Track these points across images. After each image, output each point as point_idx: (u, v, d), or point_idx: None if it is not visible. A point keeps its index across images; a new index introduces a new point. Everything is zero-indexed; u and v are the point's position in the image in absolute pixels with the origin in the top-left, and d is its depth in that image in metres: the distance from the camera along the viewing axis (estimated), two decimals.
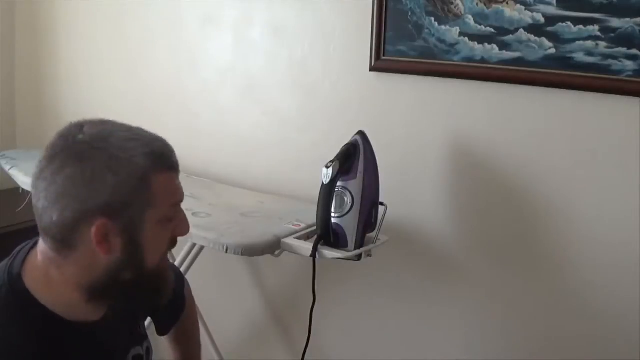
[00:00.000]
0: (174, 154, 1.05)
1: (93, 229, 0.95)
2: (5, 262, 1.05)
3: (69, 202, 0.95)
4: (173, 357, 1.48)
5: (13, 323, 0.97)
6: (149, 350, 1.24)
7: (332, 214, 1.61)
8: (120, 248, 0.98)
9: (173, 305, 1.38)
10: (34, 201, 0.99)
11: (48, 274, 1.01)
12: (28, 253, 1.05)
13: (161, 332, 1.41)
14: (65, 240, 0.98)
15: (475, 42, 1.67)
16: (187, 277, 2.07)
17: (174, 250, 2.16)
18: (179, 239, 1.08)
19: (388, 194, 1.68)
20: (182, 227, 1.06)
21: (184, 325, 1.43)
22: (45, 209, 0.97)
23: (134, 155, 0.98)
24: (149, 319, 1.40)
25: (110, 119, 1.05)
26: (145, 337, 1.24)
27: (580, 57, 1.54)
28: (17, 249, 1.08)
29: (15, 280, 1.00)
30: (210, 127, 2.25)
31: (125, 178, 0.96)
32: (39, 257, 1.03)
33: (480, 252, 1.79)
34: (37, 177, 0.98)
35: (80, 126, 1.00)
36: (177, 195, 1.04)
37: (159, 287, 1.07)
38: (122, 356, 1.16)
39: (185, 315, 1.42)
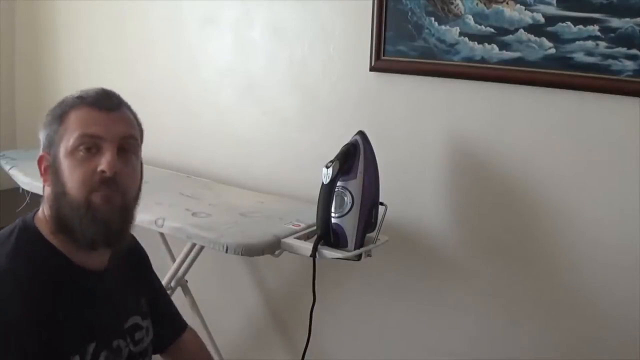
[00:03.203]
0: (110, 97, 1.14)
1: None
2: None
3: None
4: None
5: (21, 255, 1.07)
6: (148, 330, 1.27)
7: (332, 214, 1.61)
8: (50, 179, 1.11)
9: (169, 316, 1.40)
10: None
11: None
12: (39, 208, 1.15)
13: (157, 346, 1.35)
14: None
15: (475, 42, 1.67)
16: (187, 277, 2.09)
17: (174, 250, 2.17)
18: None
19: (388, 194, 1.68)
20: (103, 163, 1.08)
21: None
22: None
23: (65, 99, 1.14)
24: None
25: None
26: (146, 315, 1.27)
27: (580, 57, 1.54)
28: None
29: (28, 222, 1.12)
30: (210, 127, 2.25)
31: (51, 116, 1.12)
32: None
33: (480, 252, 1.79)
34: None
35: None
36: (89, 127, 1.09)
37: (95, 219, 1.08)
38: (120, 318, 1.20)
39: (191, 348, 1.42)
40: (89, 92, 1.13)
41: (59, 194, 1.09)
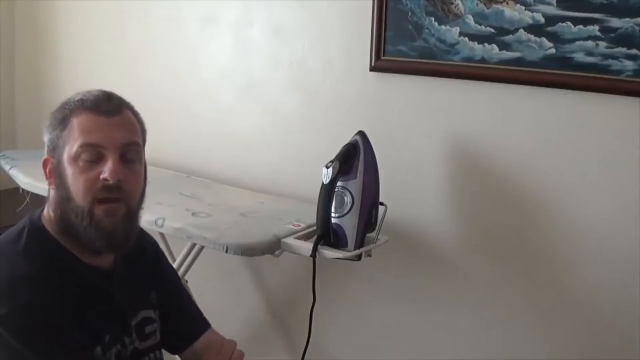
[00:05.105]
0: (110, 100, 1.13)
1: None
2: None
3: None
4: None
5: (27, 253, 1.09)
6: (158, 322, 1.27)
7: (332, 214, 1.61)
8: (55, 183, 1.12)
9: (186, 314, 1.37)
10: None
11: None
12: (44, 207, 1.16)
13: (171, 345, 1.34)
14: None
15: (475, 42, 1.67)
16: (187, 277, 2.09)
17: (174, 250, 2.17)
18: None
19: (388, 194, 1.68)
20: (106, 171, 1.08)
21: None
22: None
23: (67, 102, 1.13)
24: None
25: None
26: (156, 306, 1.27)
27: (580, 57, 1.54)
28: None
29: (36, 222, 1.14)
30: (210, 127, 2.25)
31: (53, 120, 1.13)
32: None
33: (480, 252, 1.79)
34: None
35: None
36: (91, 135, 1.08)
37: (98, 231, 1.09)
38: (131, 311, 1.20)
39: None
40: (90, 96, 1.13)
41: (63, 198, 1.10)
